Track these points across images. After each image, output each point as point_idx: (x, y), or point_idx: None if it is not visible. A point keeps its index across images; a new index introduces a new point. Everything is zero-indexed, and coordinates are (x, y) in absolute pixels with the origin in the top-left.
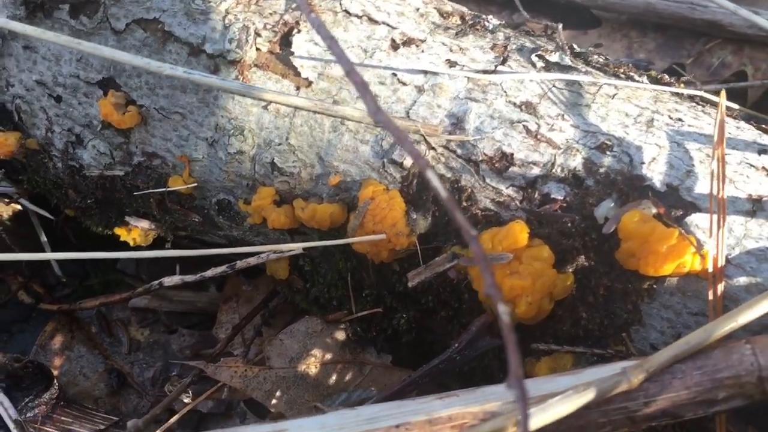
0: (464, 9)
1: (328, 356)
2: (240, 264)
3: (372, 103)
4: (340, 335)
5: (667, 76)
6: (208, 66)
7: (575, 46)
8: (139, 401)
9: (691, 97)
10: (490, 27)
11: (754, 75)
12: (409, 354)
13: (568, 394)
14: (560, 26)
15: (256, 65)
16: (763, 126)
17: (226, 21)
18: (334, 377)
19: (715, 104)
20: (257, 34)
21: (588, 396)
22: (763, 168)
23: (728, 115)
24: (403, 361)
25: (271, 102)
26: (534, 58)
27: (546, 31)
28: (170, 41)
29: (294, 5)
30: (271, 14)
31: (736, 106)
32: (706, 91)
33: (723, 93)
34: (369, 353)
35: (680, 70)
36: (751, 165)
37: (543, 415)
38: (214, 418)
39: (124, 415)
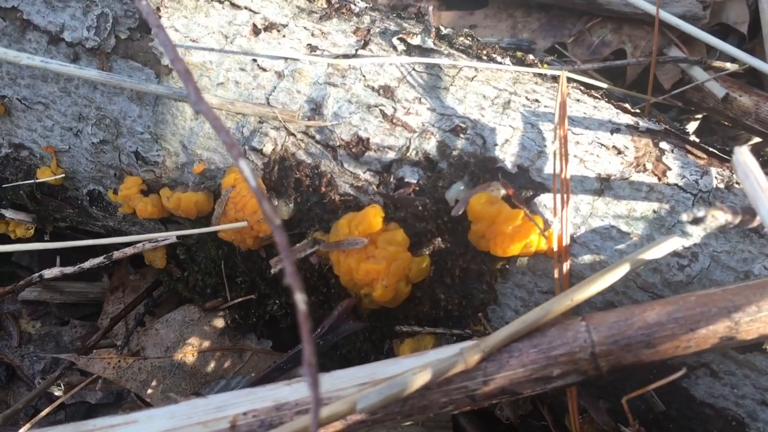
0: None
1: (206, 344)
2: (117, 254)
3: (194, 92)
4: (219, 323)
5: (531, 57)
6: (68, 54)
7: (442, 28)
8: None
9: (554, 77)
10: (356, 10)
11: (633, 53)
12: (291, 338)
13: (406, 375)
14: (430, 8)
15: (115, 53)
16: (625, 105)
17: (85, 8)
18: (212, 365)
19: (576, 84)
20: (116, 21)
21: (425, 377)
22: (614, 147)
23: (589, 95)
24: (286, 345)
25: (132, 90)
26: (395, 41)
27: (418, 14)
28: (29, 30)
29: None
30: (131, 0)
31: (604, 84)
32: (584, 72)
33: (563, 74)
34: (249, 339)
35: (562, 50)
36: (602, 144)
37: (379, 396)
38: (103, 407)
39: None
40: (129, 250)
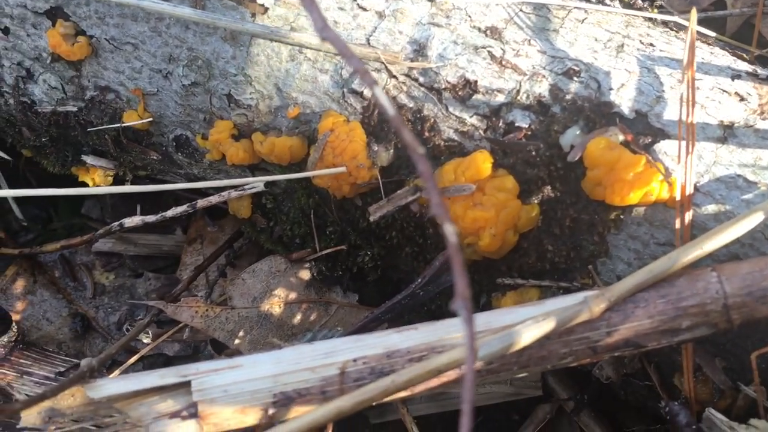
0: None
1: (293, 295)
2: (201, 203)
3: (319, 19)
4: (305, 274)
5: (640, 1)
6: None
7: None
8: (105, 345)
9: (665, 23)
10: None
11: (733, 4)
12: (376, 292)
13: (527, 324)
14: None
15: None
16: (739, 53)
17: None
18: (298, 317)
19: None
20: None
21: (548, 326)
22: (736, 93)
23: (702, 42)
24: (370, 299)
25: (226, 29)
26: None
27: None
28: None
29: None
30: None
31: (712, 33)
32: (680, 17)
33: (693, 13)
34: (335, 292)
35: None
36: (724, 90)
37: (500, 344)
38: (180, 360)
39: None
40: (214, 199)
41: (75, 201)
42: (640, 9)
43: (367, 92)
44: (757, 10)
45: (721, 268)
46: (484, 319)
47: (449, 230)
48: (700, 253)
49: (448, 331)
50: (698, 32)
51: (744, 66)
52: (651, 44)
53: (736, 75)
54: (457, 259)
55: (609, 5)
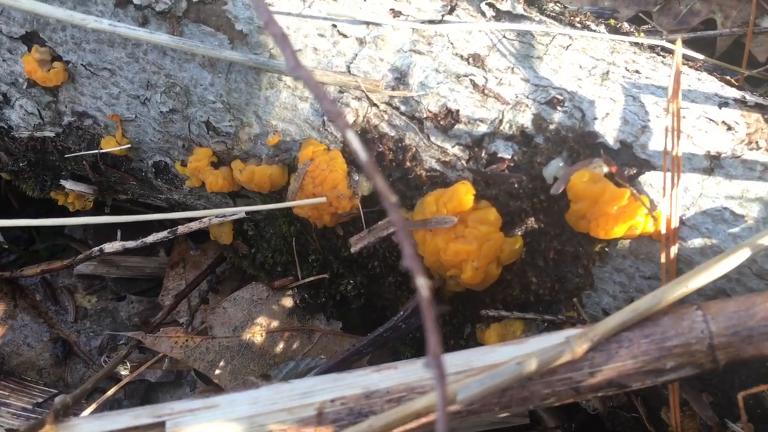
0: None
1: (275, 324)
2: (181, 229)
3: (291, 57)
4: (288, 302)
5: (626, 25)
6: (137, 18)
7: None
8: (86, 371)
9: (651, 47)
10: None
11: (724, 23)
12: (360, 319)
13: (509, 366)
14: None
15: (187, 17)
16: (728, 77)
17: None
18: (281, 346)
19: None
20: None
21: (529, 367)
22: (723, 122)
23: (690, 66)
24: (354, 327)
25: (204, 56)
26: (484, 6)
27: None
28: None
29: None
30: None
31: (700, 56)
32: (671, 42)
33: (679, 42)
34: (318, 320)
35: (647, 19)
36: (711, 119)
37: (480, 387)
38: (163, 387)
39: (69, 385)
40: (195, 225)
41: (57, 227)
42: (626, 34)
43: (347, 121)
44: (747, 29)
45: (706, 307)
46: (465, 358)
47: (422, 284)
48: (686, 291)
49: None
50: (686, 56)
51: (732, 92)
52: (637, 71)
53: (723, 103)
54: (429, 314)
55: (595, 30)
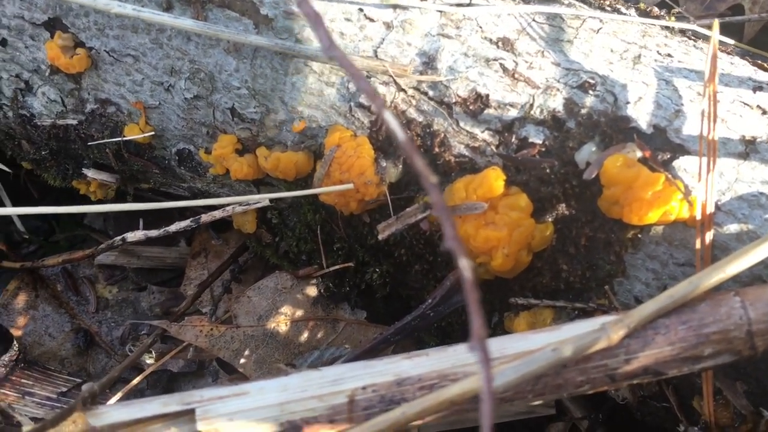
0: None
1: (299, 313)
2: (204, 218)
3: (325, 37)
4: (312, 291)
5: (656, 9)
6: (161, 3)
7: None
8: (108, 361)
9: (682, 32)
10: None
11: (752, 8)
12: (384, 309)
13: (544, 352)
14: None
15: (211, 1)
16: (759, 62)
17: None
18: (305, 335)
19: (707, 39)
20: None
21: (564, 354)
22: (758, 107)
23: (721, 50)
24: (378, 316)
25: (229, 41)
26: None
27: None
28: None
29: None
30: None
31: (730, 41)
32: (699, 25)
33: (716, 24)
34: (342, 309)
35: (672, 3)
36: (745, 103)
37: (515, 374)
38: (185, 377)
39: (91, 375)
40: (218, 213)
41: (78, 215)
42: (657, 17)
43: (374, 106)
44: None
45: (744, 293)
46: (499, 345)
47: (464, 266)
48: (723, 276)
49: (460, 358)
50: (720, 42)
51: (765, 76)
52: (669, 55)
53: (757, 86)
54: (473, 296)
55: (625, 14)
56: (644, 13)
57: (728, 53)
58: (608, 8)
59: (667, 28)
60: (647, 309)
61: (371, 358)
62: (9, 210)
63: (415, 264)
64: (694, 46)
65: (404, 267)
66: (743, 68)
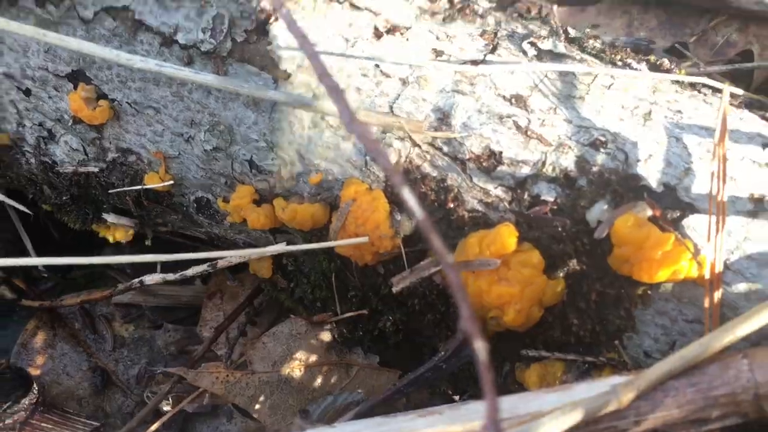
0: None
1: (313, 358)
2: (221, 263)
3: (346, 111)
4: (326, 336)
5: (667, 62)
6: (182, 57)
7: (570, 30)
8: (124, 400)
9: (692, 85)
10: (480, 11)
11: (761, 54)
12: (397, 353)
13: (555, 415)
14: (555, 7)
15: (231, 56)
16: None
17: (200, 8)
18: (319, 380)
19: (717, 90)
20: (233, 23)
21: (576, 417)
22: (767, 164)
23: (731, 104)
24: (390, 361)
25: (248, 96)
26: (525, 45)
27: (540, 13)
28: (141, 31)
29: None
30: (247, 1)
31: (740, 91)
32: (709, 75)
33: (726, 88)
34: (355, 354)
35: (683, 50)
36: (754, 161)
37: None
38: (200, 417)
39: (108, 415)
40: (234, 259)
41: (95, 249)
42: (667, 71)
43: (390, 160)
44: None
45: (752, 355)
46: (510, 404)
47: (480, 347)
48: (733, 339)
49: (474, 417)
50: (730, 94)
51: None
52: (679, 111)
53: (766, 143)
54: (487, 377)
55: (636, 69)
56: (655, 67)
57: (738, 106)
58: (619, 63)
59: (677, 82)
60: (657, 371)
61: (385, 414)
62: (34, 260)
63: (427, 313)
64: (704, 100)
65: (417, 316)
66: (753, 123)
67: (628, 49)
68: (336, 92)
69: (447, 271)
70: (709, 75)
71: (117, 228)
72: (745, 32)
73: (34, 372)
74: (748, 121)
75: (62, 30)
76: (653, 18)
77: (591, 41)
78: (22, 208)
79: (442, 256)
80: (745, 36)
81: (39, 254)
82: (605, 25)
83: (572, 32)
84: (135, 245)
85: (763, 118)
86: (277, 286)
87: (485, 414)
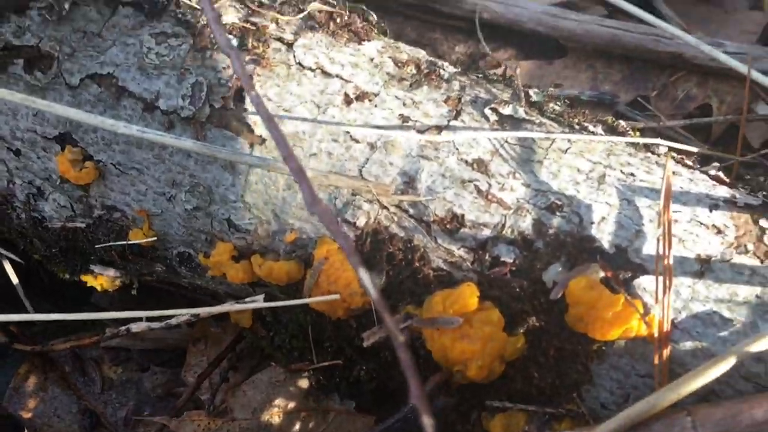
0: (421, 55)
1: (292, 405)
2: (203, 313)
3: (309, 194)
4: (304, 383)
5: (623, 124)
6: (163, 122)
7: (532, 93)
8: None
9: (647, 146)
10: (446, 76)
11: (719, 108)
12: (372, 398)
13: None
14: (518, 71)
15: (210, 122)
16: (719, 174)
17: (180, 76)
18: (297, 426)
19: (673, 149)
20: (210, 90)
21: None
22: (713, 226)
23: (683, 164)
24: (366, 404)
25: (225, 159)
26: (487, 111)
27: (504, 75)
28: (124, 96)
29: (247, 59)
30: (224, 68)
31: (694, 149)
32: (670, 129)
33: (668, 162)
34: (332, 400)
35: (645, 103)
36: (701, 223)
37: None
38: None
39: None
40: (215, 310)
41: (84, 292)
42: (622, 133)
43: (359, 222)
44: (741, 116)
45: (695, 412)
46: None
47: (427, 423)
48: (676, 397)
49: None
50: (680, 150)
51: (722, 191)
52: (632, 174)
53: (713, 205)
54: None
55: (592, 132)
56: (611, 129)
57: (689, 167)
58: (577, 126)
59: (632, 144)
60: (606, 429)
61: None
62: (31, 316)
63: (398, 365)
64: (657, 162)
65: (389, 366)
66: (702, 184)
67: (586, 111)
68: (299, 174)
69: (399, 350)
70: (671, 129)
71: (104, 278)
72: (704, 87)
73: (26, 415)
74: (698, 182)
75: (49, 96)
76: (617, 72)
77: (551, 104)
78: (14, 257)
79: (395, 337)
80: (705, 90)
81: (29, 295)
82: (571, 78)
83: (533, 96)
84: (122, 291)
85: (714, 177)
86: (257, 334)
87: None
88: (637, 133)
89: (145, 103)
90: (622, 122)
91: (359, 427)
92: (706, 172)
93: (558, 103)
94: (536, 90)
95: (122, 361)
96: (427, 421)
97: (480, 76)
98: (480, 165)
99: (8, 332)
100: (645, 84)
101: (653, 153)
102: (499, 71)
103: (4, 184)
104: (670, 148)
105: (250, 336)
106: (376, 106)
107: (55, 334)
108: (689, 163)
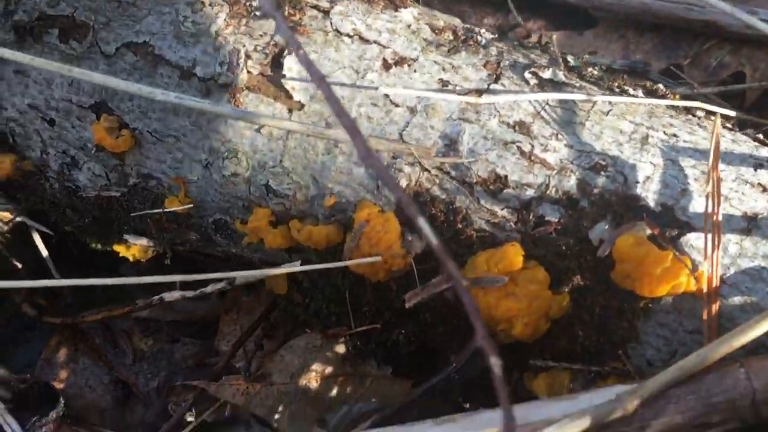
0: (456, 22)
1: (329, 370)
2: (238, 280)
3: (362, 147)
4: (341, 349)
5: (662, 87)
6: (200, 89)
7: (569, 58)
8: (145, 412)
9: (687, 109)
10: (483, 42)
11: (752, 75)
12: (410, 362)
13: (564, 423)
14: (554, 37)
15: (247, 88)
16: (760, 136)
17: (217, 43)
18: (335, 390)
19: (711, 113)
20: (248, 57)
21: (583, 424)
22: (759, 184)
23: (724, 126)
24: (403, 370)
25: (263, 125)
26: (527, 75)
27: (540, 42)
28: (161, 64)
29: None
30: (261, 35)
31: (732, 113)
32: (704, 96)
33: (718, 119)
34: (369, 365)
35: (678, 71)
36: (747, 182)
37: None
38: (219, 427)
39: (129, 427)
40: (251, 276)
41: (113, 265)
42: (662, 96)
43: (401, 185)
44: None
45: (749, 363)
46: (522, 413)
47: (494, 363)
48: (728, 349)
49: (488, 425)
50: (721, 115)
51: (765, 152)
52: (674, 134)
53: (758, 164)
54: (503, 392)
55: (632, 95)
56: (650, 93)
57: (731, 128)
58: (617, 89)
59: (672, 107)
60: (659, 380)
61: (401, 423)
62: (59, 282)
63: (439, 326)
64: (698, 124)
65: (429, 328)
66: (745, 145)
67: (625, 76)
68: (352, 129)
69: (461, 294)
70: (704, 96)
71: (137, 248)
72: (737, 54)
73: (58, 386)
74: (740, 143)
75: (85, 65)
76: (648, 41)
77: (589, 69)
78: (45, 230)
79: (458, 281)
80: (738, 58)
81: (59, 269)
82: (602, 48)
83: (571, 61)
84: (151, 263)
85: (755, 138)
86: (292, 301)
87: (501, 423)
88: (677, 97)
89: (181, 70)
90: (661, 86)
91: (396, 392)
92: (747, 134)
93: (595, 68)
94: (572, 56)
95: (152, 332)
96: (494, 361)
97: (516, 43)
98: (522, 127)
99: (36, 305)
100: (677, 52)
101: (693, 115)
102: (533, 39)
103: (38, 154)
104: (708, 112)
105: (284, 303)
106: (415, 71)
107: (84, 309)
108: (729, 125)
